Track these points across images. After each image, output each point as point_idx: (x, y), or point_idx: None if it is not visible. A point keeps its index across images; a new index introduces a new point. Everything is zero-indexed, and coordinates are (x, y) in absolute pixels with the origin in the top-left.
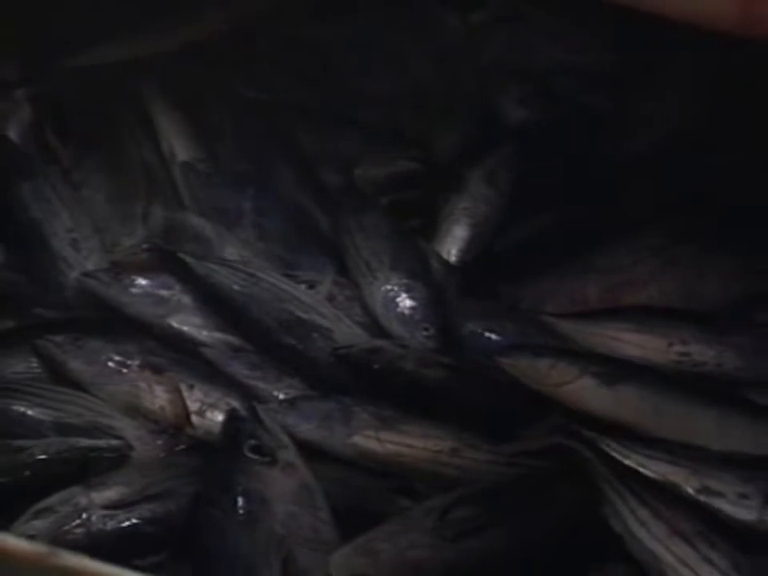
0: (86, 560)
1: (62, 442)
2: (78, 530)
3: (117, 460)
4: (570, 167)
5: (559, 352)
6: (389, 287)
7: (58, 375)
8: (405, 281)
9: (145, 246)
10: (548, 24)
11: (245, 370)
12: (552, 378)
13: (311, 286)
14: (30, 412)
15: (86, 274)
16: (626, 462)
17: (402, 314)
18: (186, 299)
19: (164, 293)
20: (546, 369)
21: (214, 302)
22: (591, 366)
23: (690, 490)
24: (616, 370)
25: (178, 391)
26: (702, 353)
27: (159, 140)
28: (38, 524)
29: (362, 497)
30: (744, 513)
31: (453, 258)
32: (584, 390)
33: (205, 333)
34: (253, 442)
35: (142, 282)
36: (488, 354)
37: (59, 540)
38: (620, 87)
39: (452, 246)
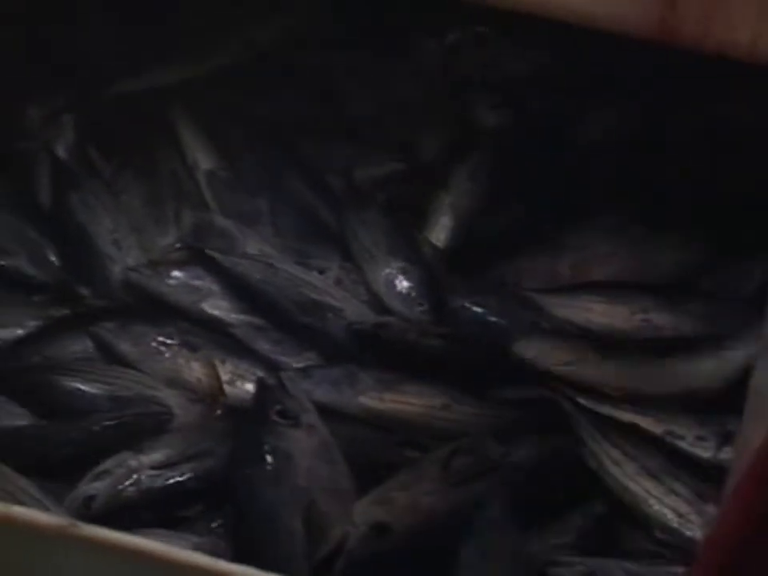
0: (104, 530)
1: (115, 411)
2: (131, 488)
3: (161, 426)
4: (537, 162)
5: (559, 335)
6: (388, 271)
7: (109, 356)
8: (401, 264)
9: (178, 244)
10: (510, 43)
11: (268, 345)
12: (558, 357)
13: (321, 272)
14: (86, 387)
15: (130, 269)
16: (600, 411)
17: (401, 293)
18: (215, 287)
19: (196, 283)
20: (552, 350)
21: (239, 289)
22: (588, 346)
23: (656, 433)
24: (604, 347)
25: (212, 365)
26: (660, 319)
27: (185, 153)
28: (98, 485)
29: (371, 450)
30: (702, 451)
31: (441, 244)
32: (584, 365)
33: (233, 315)
34: (278, 406)
35: (177, 274)
36: (475, 323)
37: (115, 497)
38: (573, 92)
39: (440, 234)
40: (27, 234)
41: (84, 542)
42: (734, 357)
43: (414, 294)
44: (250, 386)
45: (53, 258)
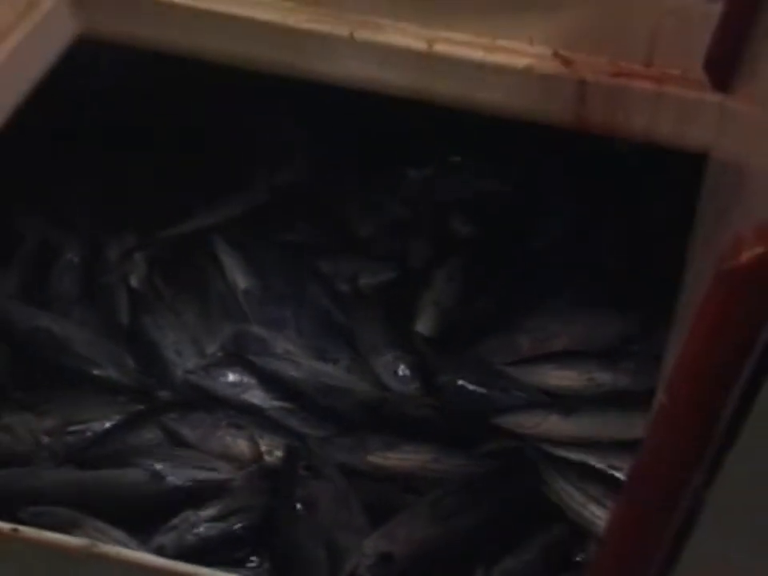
0: (123, 549)
1: (181, 478)
2: (191, 538)
3: (216, 488)
4: (500, 261)
5: (529, 405)
6: (386, 358)
7: (174, 440)
8: (397, 353)
9: (221, 351)
10: (477, 167)
11: (296, 422)
12: (529, 422)
13: (335, 363)
14: (158, 466)
15: (188, 371)
16: (557, 454)
17: (397, 375)
18: (253, 381)
19: (238, 379)
20: (524, 418)
21: (272, 382)
22: (552, 409)
23: (600, 468)
24: (561, 405)
25: (254, 440)
26: (602, 378)
27: (227, 276)
28: (168, 537)
29: (379, 496)
30: None
31: (428, 333)
32: (547, 423)
33: (267, 402)
34: (304, 462)
35: (223, 373)
36: (458, 394)
37: (181, 545)
38: (528, 201)
39: (427, 324)
40: (111, 349)
41: (104, 558)
42: None
43: (407, 375)
44: (282, 454)
45: (131, 367)
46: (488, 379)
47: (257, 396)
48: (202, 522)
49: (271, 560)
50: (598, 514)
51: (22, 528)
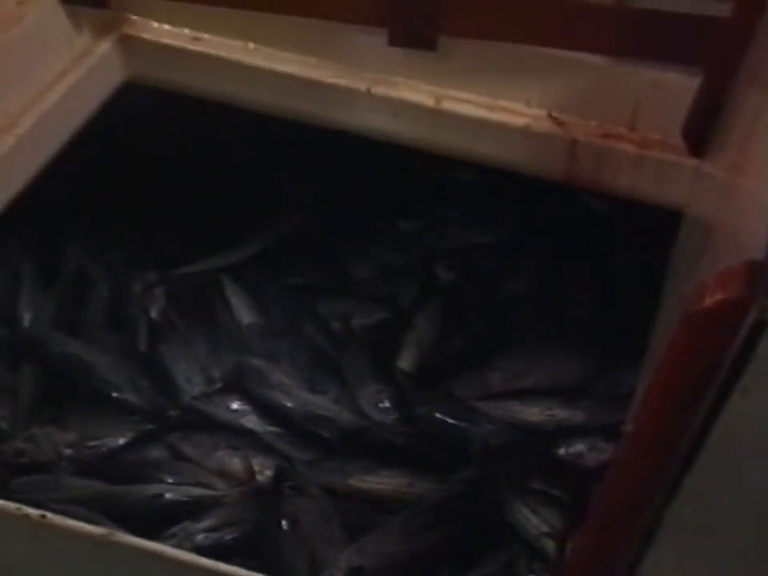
0: (140, 540)
1: (182, 493)
2: (188, 545)
3: (212, 503)
4: (478, 305)
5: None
6: (370, 391)
7: (178, 456)
8: (379, 386)
9: (221, 382)
10: (466, 220)
11: (285, 446)
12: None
13: (324, 394)
14: (163, 480)
15: (194, 398)
16: (515, 480)
17: (378, 407)
18: (249, 408)
19: (236, 406)
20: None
21: (266, 410)
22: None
23: (554, 494)
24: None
25: (248, 461)
26: (561, 413)
27: (233, 312)
28: (167, 543)
29: (356, 515)
30: None
31: (408, 369)
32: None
33: (261, 426)
34: (290, 482)
35: (225, 400)
36: (434, 425)
37: None
38: (506, 253)
39: (408, 361)
40: (130, 373)
41: (121, 547)
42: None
43: (388, 406)
44: (272, 472)
45: (146, 390)
46: (460, 412)
47: (252, 421)
48: (198, 532)
49: (258, 570)
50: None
51: (49, 515)
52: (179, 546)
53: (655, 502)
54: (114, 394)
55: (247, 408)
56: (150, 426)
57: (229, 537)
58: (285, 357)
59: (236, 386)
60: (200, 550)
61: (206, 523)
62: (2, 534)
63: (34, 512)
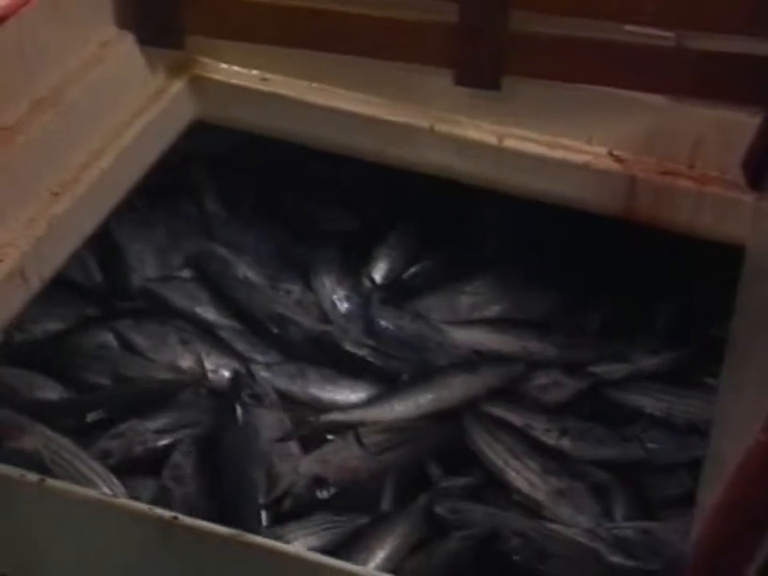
0: (268, 540)
1: (128, 385)
2: (139, 447)
3: (161, 399)
4: (448, 231)
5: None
6: (335, 296)
7: (126, 346)
8: (345, 292)
9: (185, 265)
10: None
11: (243, 345)
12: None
13: (287, 293)
14: (110, 369)
15: (149, 279)
16: (480, 408)
17: (343, 312)
18: (208, 298)
19: (196, 294)
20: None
21: (228, 302)
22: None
23: (517, 424)
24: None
25: (200, 357)
26: (533, 346)
27: (201, 199)
28: (113, 443)
29: (315, 425)
30: (549, 439)
31: (377, 280)
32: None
33: (220, 320)
34: (248, 390)
35: (183, 286)
36: (394, 340)
37: (128, 454)
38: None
39: (378, 273)
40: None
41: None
42: (578, 375)
43: (351, 314)
44: (228, 374)
45: (93, 269)
46: (425, 332)
47: (209, 312)
48: (148, 432)
49: (211, 476)
50: (512, 465)
51: (180, 516)
52: (128, 448)
53: None
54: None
55: (206, 298)
56: (96, 310)
57: (180, 438)
58: (250, 251)
59: (197, 272)
60: (151, 453)
61: (156, 423)
62: (134, 534)
63: (167, 514)
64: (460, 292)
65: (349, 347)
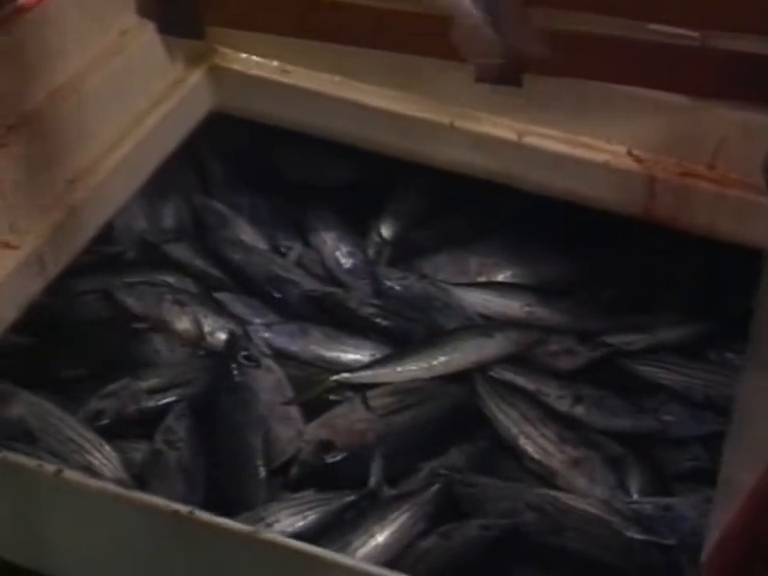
0: (288, 540)
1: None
2: (132, 407)
3: (155, 359)
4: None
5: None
6: (338, 253)
7: (122, 312)
8: (349, 249)
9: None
10: None
11: (242, 306)
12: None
13: (286, 253)
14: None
15: (145, 231)
16: (492, 374)
17: (346, 270)
18: (204, 256)
19: (194, 251)
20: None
21: (224, 263)
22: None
23: (530, 390)
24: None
25: (197, 319)
26: (541, 312)
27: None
28: (106, 403)
29: (319, 386)
30: (562, 406)
31: (386, 236)
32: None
33: (215, 280)
34: (244, 352)
35: (181, 244)
36: (400, 300)
37: (121, 414)
38: None
39: (387, 229)
40: None
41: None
42: (592, 344)
43: (356, 272)
44: (224, 336)
45: None
46: (431, 292)
47: (205, 272)
48: (141, 392)
49: (207, 439)
50: (527, 433)
51: (197, 511)
52: (121, 408)
53: None
54: None
55: (203, 255)
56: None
57: (174, 399)
58: (244, 210)
59: (194, 228)
60: (144, 414)
61: (149, 382)
62: (150, 527)
63: (183, 508)
64: (471, 252)
65: (353, 306)
